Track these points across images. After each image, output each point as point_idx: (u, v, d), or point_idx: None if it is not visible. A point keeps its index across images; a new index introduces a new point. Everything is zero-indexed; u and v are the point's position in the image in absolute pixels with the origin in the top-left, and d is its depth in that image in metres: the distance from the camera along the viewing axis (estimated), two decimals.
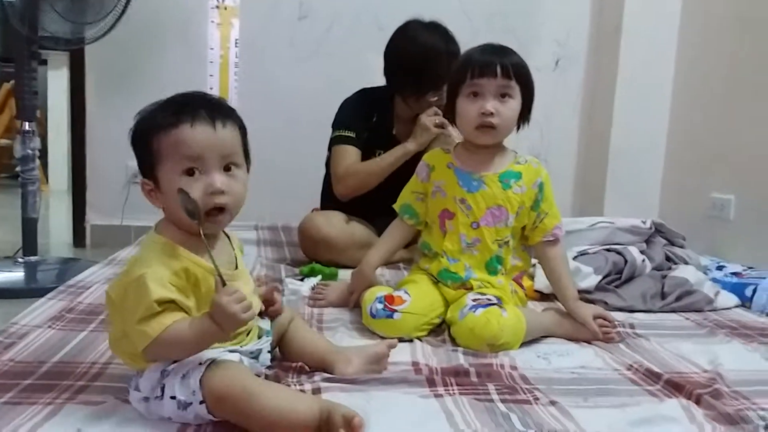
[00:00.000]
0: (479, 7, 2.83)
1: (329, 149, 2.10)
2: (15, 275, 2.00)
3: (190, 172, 0.89)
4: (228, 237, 1.02)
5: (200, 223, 0.89)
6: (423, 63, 1.89)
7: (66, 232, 2.97)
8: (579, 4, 2.95)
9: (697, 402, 1.00)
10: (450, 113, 1.42)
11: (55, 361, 1.08)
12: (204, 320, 0.86)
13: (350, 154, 1.99)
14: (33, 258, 2.09)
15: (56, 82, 4.71)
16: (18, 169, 2.06)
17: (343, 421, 0.80)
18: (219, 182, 0.89)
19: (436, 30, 1.94)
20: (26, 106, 2.02)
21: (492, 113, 1.32)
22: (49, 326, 1.26)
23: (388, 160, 1.95)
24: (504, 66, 1.32)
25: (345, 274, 1.79)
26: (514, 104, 1.35)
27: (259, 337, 1.01)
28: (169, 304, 0.86)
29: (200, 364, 0.87)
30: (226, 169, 0.91)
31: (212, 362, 0.86)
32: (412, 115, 2.07)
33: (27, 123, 2.01)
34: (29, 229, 2.08)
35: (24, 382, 0.99)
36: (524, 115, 1.39)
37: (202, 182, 0.89)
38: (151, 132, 0.90)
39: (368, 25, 2.80)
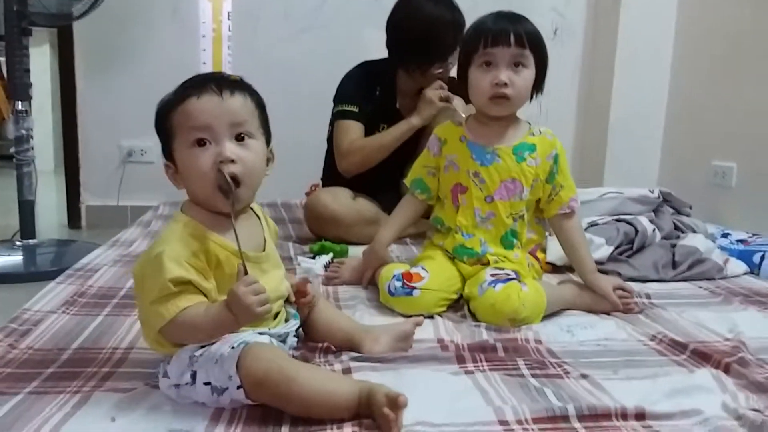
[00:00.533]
0: None
1: (331, 124, 2.06)
2: (13, 259, 1.96)
3: (200, 143, 0.87)
4: (259, 218, 0.99)
5: (232, 203, 0.86)
6: (428, 34, 1.84)
7: (57, 213, 2.92)
8: None
9: (726, 371, 1.01)
10: (461, 83, 1.39)
11: (75, 348, 1.06)
12: (220, 308, 0.84)
13: (354, 129, 1.95)
14: (31, 241, 2.05)
15: (38, 59, 4.58)
16: (12, 150, 2.00)
17: (386, 401, 0.79)
18: (228, 150, 0.87)
19: (441, 0, 1.89)
20: (19, 84, 1.95)
21: (506, 83, 1.29)
22: (63, 311, 1.23)
23: (392, 135, 1.93)
24: (518, 34, 1.28)
25: (354, 251, 1.78)
26: (528, 74, 1.32)
27: (286, 321, 1.00)
28: (186, 286, 0.84)
29: (232, 347, 0.85)
30: (239, 139, 0.89)
31: (245, 345, 0.85)
32: (415, 89, 2.03)
33: (20, 102, 1.95)
34: (26, 212, 2.03)
35: (47, 371, 0.96)
36: (538, 85, 1.36)
37: (211, 152, 0.87)
38: (164, 112, 0.90)
39: None
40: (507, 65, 1.29)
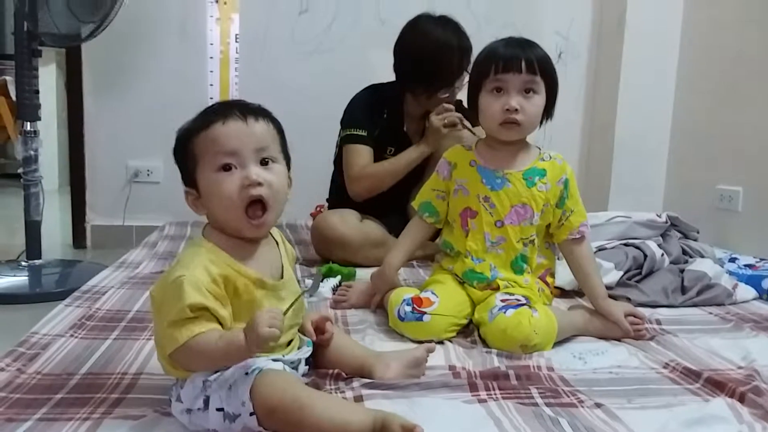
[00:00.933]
0: (482, 0, 2.80)
1: (338, 146, 2.07)
2: (19, 279, 1.95)
3: (226, 168, 0.88)
4: (278, 243, 0.99)
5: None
6: (435, 59, 1.86)
7: (61, 232, 2.92)
8: None
9: (741, 400, 0.99)
10: (471, 109, 1.40)
11: (84, 373, 1.05)
12: (234, 334, 0.83)
13: (363, 154, 1.96)
14: (37, 261, 2.04)
15: (44, 79, 4.61)
16: (20, 170, 2.01)
17: (402, 431, 0.78)
18: (255, 174, 0.87)
19: (448, 25, 1.91)
20: (27, 105, 1.96)
21: (517, 109, 1.30)
22: (72, 335, 1.23)
23: (403, 161, 1.94)
24: (529, 60, 1.29)
25: (361, 273, 1.77)
26: (539, 100, 1.33)
27: (299, 348, 0.99)
28: (203, 312, 0.84)
29: (246, 374, 0.84)
30: (263, 163, 0.90)
31: (259, 372, 0.84)
32: (422, 112, 2.04)
33: (29, 123, 1.96)
34: (33, 232, 2.03)
35: (56, 397, 0.95)
36: (548, 110, 1.37)
37: (237, 176, 0.87)
38: (187, 138, 0.91)
39: (370, 19, 2.77)
40: (518, 91, 1.30)
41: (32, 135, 1.99)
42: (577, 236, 1.37)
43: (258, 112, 0.91)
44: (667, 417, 0.94)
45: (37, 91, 2.01)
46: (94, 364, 1.09)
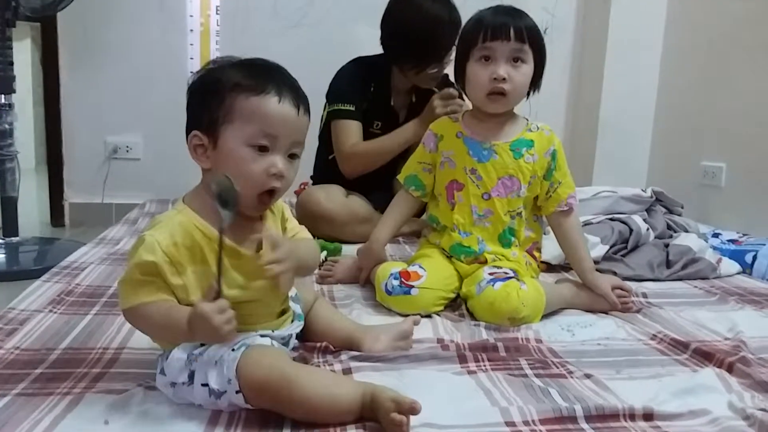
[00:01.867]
0: None
1: (324, 122, 2.03)
2: None
3: (259, 146, 0.84)
4: (273, 213, 0.96)
5: (226, 218, 0.83)
6: (426, 34, 1.82)
7: (39, 210, 2.85)
8: None
9: (729, 370, 1.00)
10: (459, 79, 1.37)
11: (64, 348, 1.02)
12: (181, 318, 0.80)
13: (353, 130, 1.93)
14: (14, 239, 1.99)
15: (19, 55, 4.47)
16: None
17: (395, 406, 0.77)
18: (282, 166, 0.85)
19: None
20: (1, 77, 1.90)
21: (504, 78, 1.28)
22: (51, 310, 1.19)
23: (396, 140, 1.90)
24: (518, 29, 1.27)
25: (347, 249, 1.75)
26: (527, 69, 1.30)
27: (291, 322, 0.97)
28: (153, 278, 0.82)
29: (233, 350, 0.82)
30: (291, 156, 0.87)
31: (246, 348, 0.82)
32: (409, 86, 2.01)
33: (3, 96, 1.90)
34: (9, 209, 1.98)
35: (35, 372, 0.93)
36: (535, 82, 1.34)
37: (266, 161, 0.84)
38: (230, 88, 0.84)
39: None
40: (506, 60, 1.28)
41: (7, 108, 1.93)
42: (565, 208, 1.36)
43: (305, 102, 0.88)
44: (657, 387, 0.94)
45: (11, 63, 1.95)
46: (75, 339, 1.06)
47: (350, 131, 1.93)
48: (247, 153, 0.84)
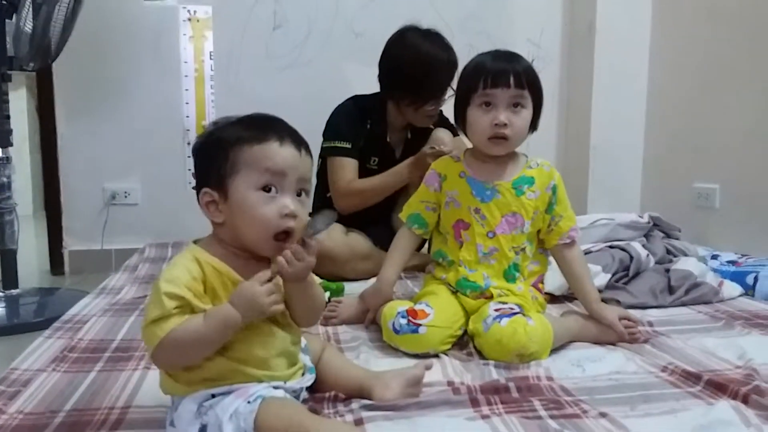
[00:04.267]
0: (452, 9, 2.82)
1: (321, 158, 2.05)
2: None
3: (267, 189, 0.86)
4: None
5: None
6: (422, 71, 1.85)
7: (37, 258, 2.84)
8: (551, 3, 2.97)
9: (745, 402, 0.99)
10: (459, 121, 1.39)
11: (68, 410, 1.00)
12: (221, 309, 0.82)
13: (349, 168, 1.95)
14: (14, 291, 1.98)
15: (15, 104, 4.50)
16: None
17: None
18: (293, 205, 0.86)
19: (436, 39, 1.91)
20: None
21: (506, 124, 1.29)
22: (54, 369, 1.18)
23: (391, 180, 1.93)
24: (517, 75, 1.29)
25: (349, 288, 1.75)
26: (527, 114, 1.32)
27: (302, 375, 0.96)
28: (182, 308, 0.82)
29: (249, 402, 0.82)
30: (299, 194, 0.89)
31: (263, 400, 0.81)
32: (404, 123, 2.04)
33: (0, 150, 1.90)
34: (8, 261, 1.97)
35: None
36: (534, 122, 1.36)
37: (277, 203, 0.86)
38: (232, 142, 0.87)
39: (344, 32, 2.76)
40: (506, 106, 1.29)
41: (4, 161, 1.93)
42: (567, 241, 1.37)
43: (306, 145, 0.91)
44: (674, 423, 0.93)
45: (8, 116, 1.96)
46: (79, 400, 1.04)
47: (346, 168, 1.95)
48: (258, 197, 0.86)
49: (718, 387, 1.05)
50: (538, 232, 1.39)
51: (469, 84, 1.31)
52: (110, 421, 0.97)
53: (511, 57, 1.32)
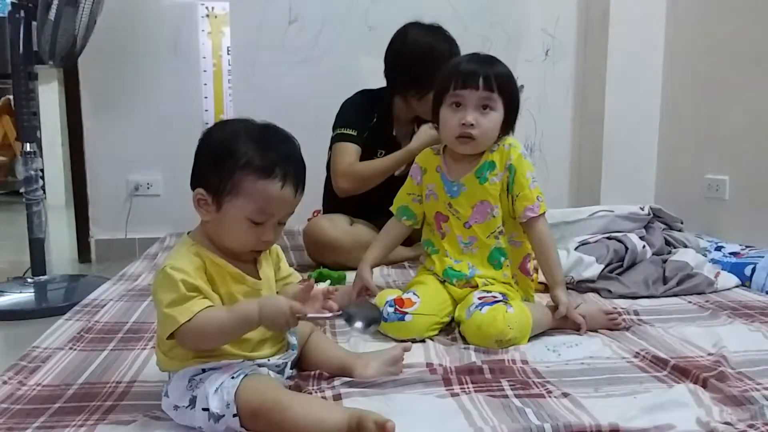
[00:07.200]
0: (470, 2, 2.85)
1: (330, 149, 2.13)
2: (25, 296, 2.02)
3: (256, 222, 0.95)
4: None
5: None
6: (425, 63, 1.91)
7: (68, 247, 2.99)
8: None
9: (704, 386, 1.04)
10: (435, 120, 1.45)
11: (81, 383, 1.11)
12: (249, 311, 0.91)
13: (351, 151, 2.02)
14: (42, 277, 2.11)
15: (47, 96, 4.71)
16: (22, 190, 2.08)
17: (375, 427, 0.84)
18: (272, 236, 0.98)
19: (438, 32, 1.98)
20: (26, 127, 2.03)
21: (472, 124, 1.35)
22: (71, 348, 1.29)
23: (390, 160, 1.98)
24: (487, 78, 1.34)
25: (351, 277, 1.82)
26: (496, 116, 1.37)
27: (285, 351, 1.05)
28: (197, 291, 0.92)
29: (233, 377, 0.91)
30: (280, 223, 0.99)
31: (244, 376, 0.91)
32: (411, 116, 2.10)
33: (28, 144, 2.03)
34: (37, 249, 2.10)
35: (54, 406, 1.02)
36: (508, 125, 1.40)
37: (259, 232, 0.96)
38: (241, 165, 0.94)
39: (358, 26, 2.82)
40: (475, 107, 1.35)
41: (32, 155, 2.06)
42: (523, 220, 1.39)
43: (304, 182, 0.99)
44: (630, 404, 0.98)
45: (35, 113, 2.08)
46: (91, 375, 1.15)
47: (348, 151, 2.02)
48: (245, 225, 0.95)
49: (682, 372, 1.10)
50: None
51: (442, 84, 1.38)
52: (117, 393, 1.07)
53: (484, 60, 1.37)
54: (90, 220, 2.76)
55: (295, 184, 0.96)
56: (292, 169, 0.96)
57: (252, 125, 0.99)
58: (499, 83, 1.34)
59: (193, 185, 0.98)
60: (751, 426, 0.90)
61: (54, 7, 1.99)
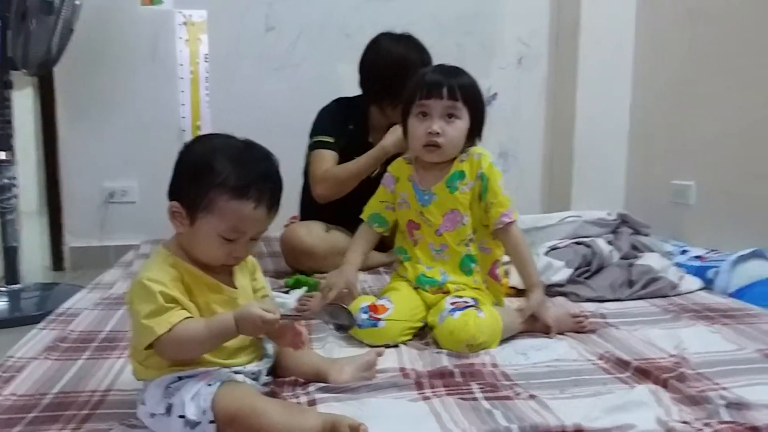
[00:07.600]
0: (445, 10, 2.91)
1: (307, 156, 2.15)
2: None
3: (228, 239, 0.98)
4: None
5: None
6: (398, 72, 1.94)
7: (41, 255, 2.95)
8: (539, 4, 3.04)
9: (664, 386, 1.09)
10: (404, 129, 1.49)
11: (56, 392, 1.12)
12: (226, 321, 0.94)
13: (328, 158, 2.04)
14: (15, 286, 2.10)
15: (21, 102, 4.63)
16: None
17: (349, 431, 0.87)
18: (243, 252, 1.01)
19: (409, 42, 2.02)
20: (1, 135, 2.02)
21: (438, 133, 1.39)
22: (46, 357, 1.29)
23: (365, 160, 2.00)
24: (451, 87, 1.38)
25: None
26: (461, 124, 1.41)
27: (260, 359, 1.08)
28: (174, 303, 0.94)
29: (209, 385, 0.93)
30: (253, 239, 1.01)
31: (221, 384, 0.93)
32: (386, 124, 2.13)
33: (3, 153, 2.02)
34: (11, 258, 2.09)
35: (29, 416, 1.02)
36: (475, 133, 1.45)
37: (231, 248, 0.99)
38: (217, 183, 0.95)
39: (335, 34, 2.85)
40: (440, 116, 1.39)
41: (6, 164, 2.05)
42: (500, 226, 1.43)
43: (278, 201, 1.01)
44: (594, 404, 1.02)
45: (9, 121, 2.07)
46: (66, 384, 1.16)
47: (325, 158, 2.04)
48: (217, 241, 0.98)
49: (643, 373, 1.15)
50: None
51: (410, 94, 1.42)
52: (92, 402, 1.08)
53: (449, 71, 1.42)
54: (64, 228, 2.75)
55: (269, 203, 0.98)
56: (268, 189, 0.98)
57: (232, 142, 1.01)
58: (463, 92, 1.39)
59: (170, 197, 1.00)
60: (706, 424, 0.95)
61: (29, 15, 1.98)
